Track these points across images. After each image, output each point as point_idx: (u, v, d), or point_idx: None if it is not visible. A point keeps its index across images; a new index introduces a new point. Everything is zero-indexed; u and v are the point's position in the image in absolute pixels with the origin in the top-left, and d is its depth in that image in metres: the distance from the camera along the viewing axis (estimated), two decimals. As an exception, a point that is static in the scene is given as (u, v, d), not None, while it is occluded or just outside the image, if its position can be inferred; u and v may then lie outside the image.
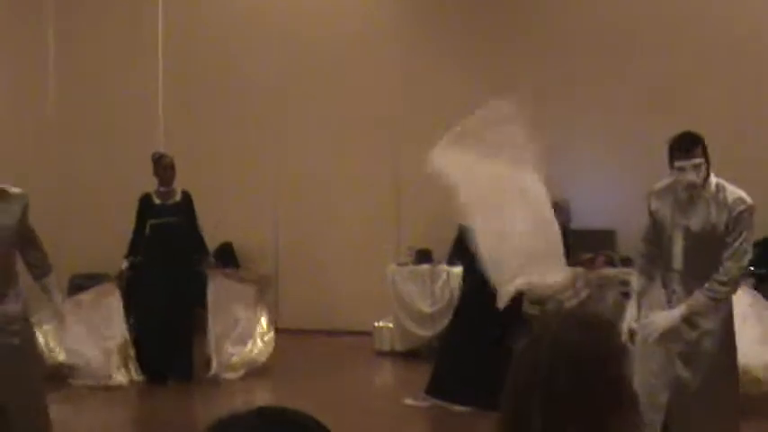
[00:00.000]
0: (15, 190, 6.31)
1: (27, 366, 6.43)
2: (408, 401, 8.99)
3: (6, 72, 13.49)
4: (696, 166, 5.77)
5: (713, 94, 11.30)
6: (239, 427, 1.72)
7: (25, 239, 6.51)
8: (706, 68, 11.50)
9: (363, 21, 12.83)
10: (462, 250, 9.16)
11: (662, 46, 11.61)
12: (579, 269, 10.53)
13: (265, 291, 10.86)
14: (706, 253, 5.81)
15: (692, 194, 5.85)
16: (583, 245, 11.07)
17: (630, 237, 10.42)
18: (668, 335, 5.84)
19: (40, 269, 6.66)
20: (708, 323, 5.91)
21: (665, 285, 6.10)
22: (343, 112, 12.69)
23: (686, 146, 5.85)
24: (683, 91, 11.41)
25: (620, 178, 11.32)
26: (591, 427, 2.09)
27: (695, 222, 5.85)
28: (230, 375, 10.05)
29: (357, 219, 12.55)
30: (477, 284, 8.45)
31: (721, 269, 5.75)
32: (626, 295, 10.04)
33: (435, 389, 8.80)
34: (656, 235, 6.12)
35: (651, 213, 6.14)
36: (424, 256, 11.49)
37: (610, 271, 10.92)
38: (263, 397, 9.94)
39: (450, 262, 11.06)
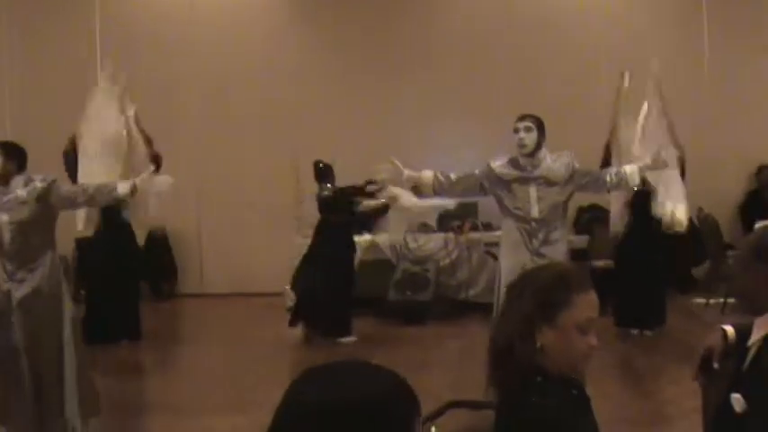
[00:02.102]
0: (33, 182, 6.94)
1: (64, 327, 7.04)
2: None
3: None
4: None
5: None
6: (328, 375, 1.94)
7: (66, 207, 7.32)
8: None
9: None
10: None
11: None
12: (450, 234, 12.68)
13: None
14: None
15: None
16: (451, 214, 12.72)
17: (489, 207, 12.59)
18: None
19: (101, 198, 7.36)
20: None
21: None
22: (250, 111, 14.43)
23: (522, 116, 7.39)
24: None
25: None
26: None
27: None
28: None
29: (265, 202, 14.21)
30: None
31: None
32: (488, 254, 12.34)
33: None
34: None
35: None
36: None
37: (475, 235, 12.76)
38: (205, 347, 11.40)
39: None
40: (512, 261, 7.15)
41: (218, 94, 14.53)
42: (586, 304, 2.84)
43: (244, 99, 14.53)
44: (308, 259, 11.24)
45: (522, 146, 7.21)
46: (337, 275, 10.88)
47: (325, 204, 11.22)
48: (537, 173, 7.21)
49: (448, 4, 14.62)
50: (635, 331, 10.82)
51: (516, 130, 7.20)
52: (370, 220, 12.11)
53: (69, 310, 7.23)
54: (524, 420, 2.79)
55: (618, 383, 9.03)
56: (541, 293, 2.85)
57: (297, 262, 12.16)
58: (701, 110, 13.36)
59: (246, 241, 14.06)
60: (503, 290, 7.19)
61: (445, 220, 12.68)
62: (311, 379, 1.94)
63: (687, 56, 13.99)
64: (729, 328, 3.59)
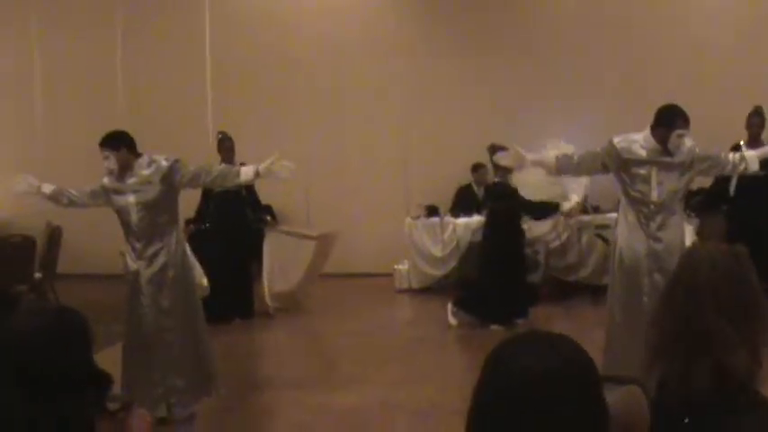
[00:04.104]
0: (156, 163, 7.14)
1: (193, 303, 7.38)
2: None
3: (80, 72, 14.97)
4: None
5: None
6: (525, 344, 2.03)
7: (189, 186, 7.46)
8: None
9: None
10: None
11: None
12: (560, 217, 12.49)
13: (329, 245, 12.33)
14: None
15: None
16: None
17: (599, 190, 12.58)
18: None
19: (224, 181, 7.52)
20: None
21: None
22: (362, 97, 14.53)
23: (686, 118, 7.01)
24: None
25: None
26: (746, 331, 2.72)
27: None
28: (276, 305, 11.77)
29: (374, 184, 14.43)
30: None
31: None
32: (598, 236, 12.32)
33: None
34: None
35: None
36: (432, 211, 13.42)
37: (584, 217, 12.61)
38: (315, 327, 11.74)
39: (454, 214, 13.16)
40: (628, 243, 7.15)
41: (329, 75, 14.69)
42: None
43: (355, 79, 14.67)
44: (480, 249, 11.32)
45: (676, 146, 7.11)
46: (509, 262, 10.94)
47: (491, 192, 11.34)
48: (663, 158, 7.12)
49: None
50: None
51: (679, 136, 7.06)
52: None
53: (197, 285, 7.58)
54: None
55: None
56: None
57: (406, 241, 12.37)
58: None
59: (354, 221, 14.14)
60: (617, 272, 7.29)
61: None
62: (520, 348, 2.03)
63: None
64: None
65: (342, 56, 14.69)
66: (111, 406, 2.90)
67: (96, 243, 12.48)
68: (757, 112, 11.35)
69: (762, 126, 11.29)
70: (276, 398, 8.29)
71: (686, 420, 2.67)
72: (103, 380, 2.88)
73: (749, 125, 11.31)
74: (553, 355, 2.00)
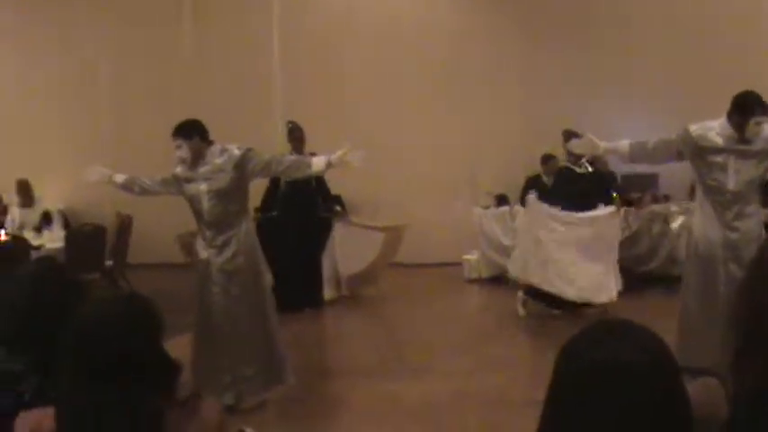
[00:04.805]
0: (228, 151, 7.20)
1: (264, 291, 7.44)
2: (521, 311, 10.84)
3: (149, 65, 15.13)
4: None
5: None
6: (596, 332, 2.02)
7: (260, 175, 7.58)
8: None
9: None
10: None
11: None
12: (630, 207, 12.48)
13: (397, 237, 12.34)
14: None
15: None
16: (631, 186, 12.92)
17: (670, 179, 12.45)
18: None
19: (295, 171, 7.53)
20: None
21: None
22: (425, 91, 14.52)
23: (764, 105, 6.88)
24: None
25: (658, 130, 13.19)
26: None
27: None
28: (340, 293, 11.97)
29: (442, 174, 14.40)
30: None
31: None
32: (667, 223, 12.17)
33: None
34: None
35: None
36: (501, 200, 13.46)
37: (655, 207, 12.58)
38: (384, 317, 11.83)
39: (523, 204, 13.05)
40: (704, 232, 7.05)
41: (397, 63, 14.71)
42: None
43: (422, 67, 14.66)
44: None
45: (754, 134, 6.97)
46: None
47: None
48: (740, 146, 7.00)
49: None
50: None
51: (757, 123, 6.92)
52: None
53: (265, 274, 7.57)
54: None
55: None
56: None
57: (476, 230, 12.40)
58: None
59: (423, 211, 14.09)
60: (693, 261, 7.19)
61: (625, 192, 12.50)
62: (595, 339, 2.02)
63: None
64: None
65: (411, 41, 14.65)
66: (181, 394, 2.91)
67: (166, 232, 12.56)
68: None
69: None
70: (346, 387, 8.29)
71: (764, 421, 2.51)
72: (173, 368, 2.87)
73: None
74: (629, 346, 1.98)
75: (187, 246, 12.07)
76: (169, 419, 2.78)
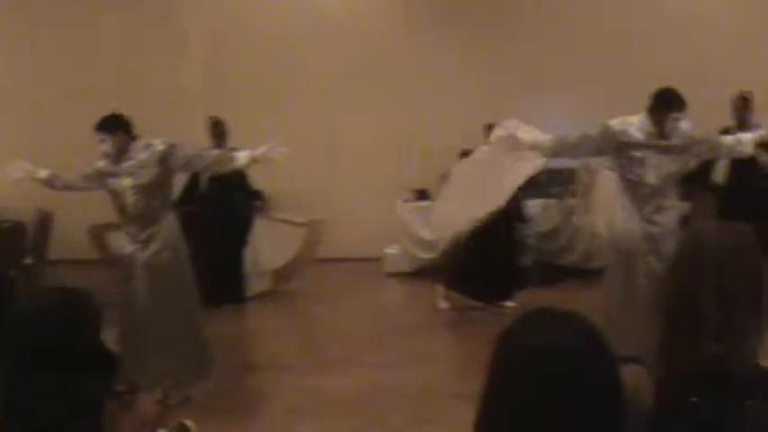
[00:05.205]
0: (152, 146, 7.14)
1: (189, 286, 7.46)
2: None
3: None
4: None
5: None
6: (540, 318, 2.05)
7: (184, 170, 7.68)
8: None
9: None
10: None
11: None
12: (551, 200, 12.67)
13: (316, 232, 12.32)
14: None
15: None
16: (551, 181, 12.74)
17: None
18: None
19: (219, 166, 7.53)
20: None
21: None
22: (348, 88, 14.52)
23: (682, 101, 7.02)
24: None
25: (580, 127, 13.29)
26: (751, 311, 2.63)
27: None
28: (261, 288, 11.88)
29: (364, 169, 14.48)
30: None
31: None
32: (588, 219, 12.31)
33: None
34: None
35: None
36: (422, 195, 13.52)
37: (573, 201, 12.61)
38: (306, 311, 11.83)
39: (444, 198, 13.16)
40: (624, 226, 7.20)
41: (320, 58, 14.66)
42: None
43: (345, 63, 14.67)
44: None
45: (673, 129, 7.12)
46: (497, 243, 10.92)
47: None
48: (659, 141, 7.15)
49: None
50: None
51: (675, 119, 7.07)
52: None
53: (191, 269, 7.58)
54: None
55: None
56: None
57: (397, 225, 12.72)
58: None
59: (345, 206, 14.17)
60: (615, 254, 7.34)
61: (546, 186, 12.63)
62: (533, 325, 2.06)
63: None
64: None
65: (333, 38, 14.66)
66: (119, 387, 2.92)
67: (86, 229, 12.41)
68: (743, 96, 11.35)
69: (747, 110, 11.28)
70: (269, 381, 8.29)
71: (693, 400, 2.63)
72: (112, 359, 2.89)
73: (736, 108, 11.31)
74: (569, 332, 2.02)
75: (98, 238, 12.03)
76: (108, 410, 2.79)
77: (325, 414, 7.28)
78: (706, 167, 11.16)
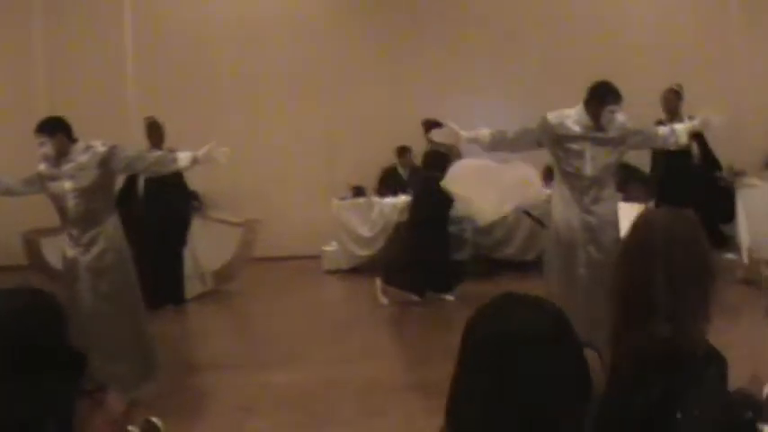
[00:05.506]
0: (93, 148, 7.11)
1: (133, 288, 7.43)
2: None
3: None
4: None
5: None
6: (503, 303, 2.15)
7: (125, 171, 7.72)
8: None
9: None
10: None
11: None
12: None
13: (252, 231, 12.33)
14: None
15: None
16: None
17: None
18: None
19: (160, 168, 7.49)
20: None
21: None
22: (285, 87, 14.58)
23: (617, 94, 7.16)
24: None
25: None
26: (699, 292, 2.77)
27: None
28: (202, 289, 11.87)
29: (300, 167, 14.54)
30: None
31: None
32: (524, 213, 12.47)
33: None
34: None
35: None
36: (358, 192, 13.53)
37: None
38: (246, 310, 11.83)
39: (380, 195, 13.25)
40: (562, 217, 7.33)
41: (252, 58, 14.71)
42: None
43: (278, 62, 14.71)
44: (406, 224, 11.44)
45: (609, 121, 7.25)
46: (434, 236, 11.08)
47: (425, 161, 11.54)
48: (596, 134, 7.29)
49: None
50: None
51: (611, 111, 7.19)
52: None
53: (133, 271, 7.55)
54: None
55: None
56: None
57: (334, 222, 12.81)
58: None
59: (281, 205, 14.24)
60: (554, 245, 7.47)
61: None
62: (501, 310, 2.15)
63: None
64: None
65: (265, 38, 14.69)
66: (89, 386, 2.95)
67: (16, 233, 12.30)
68: (674, 89, 11.59)
69: (678, 101, 11.52)
70: (216, 380, 8.29)
71: (644, 382, 2.73)
72: (80, 358, 2.91)
73: (667, 101, 11.55)
74: (537, 317, 2.11)
75: (31, 244, 11.90)
76: (79, 409, 2.82)
77: (273, 410, 7.30)
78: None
